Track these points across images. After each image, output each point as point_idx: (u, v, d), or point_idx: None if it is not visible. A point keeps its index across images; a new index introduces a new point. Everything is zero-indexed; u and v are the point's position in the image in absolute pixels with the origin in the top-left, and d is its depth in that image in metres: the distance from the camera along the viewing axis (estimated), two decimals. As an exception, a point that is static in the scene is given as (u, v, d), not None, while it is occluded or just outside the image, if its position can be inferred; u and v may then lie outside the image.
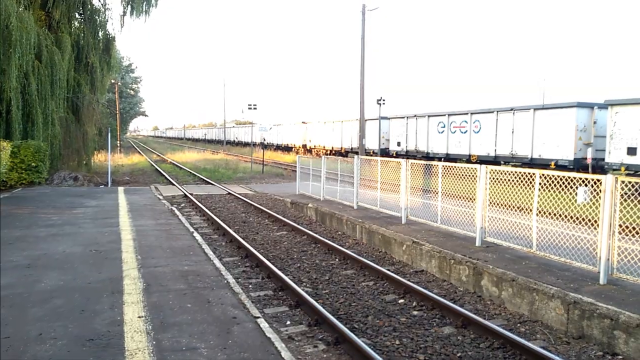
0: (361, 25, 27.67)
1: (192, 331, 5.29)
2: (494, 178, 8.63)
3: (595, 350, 5.65)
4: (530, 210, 7.88)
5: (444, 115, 27.92)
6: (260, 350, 4.89)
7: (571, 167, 20.01)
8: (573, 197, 9.35)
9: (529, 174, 7.92)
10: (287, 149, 51.00)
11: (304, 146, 47.45)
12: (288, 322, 6.38)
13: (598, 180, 6.67)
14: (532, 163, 21.47)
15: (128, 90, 73.42)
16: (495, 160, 23.74)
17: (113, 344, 4.89)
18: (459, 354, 5.54)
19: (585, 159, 20.07)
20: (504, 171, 8.43)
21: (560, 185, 7.61)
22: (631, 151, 17.64)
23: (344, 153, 38.42)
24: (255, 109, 34.78)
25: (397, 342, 5.87)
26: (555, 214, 8.06)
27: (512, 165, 21.07)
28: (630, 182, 6.42)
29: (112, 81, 43.97)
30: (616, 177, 6.42)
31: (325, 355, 5.45)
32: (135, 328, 5.30)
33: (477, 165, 8.86)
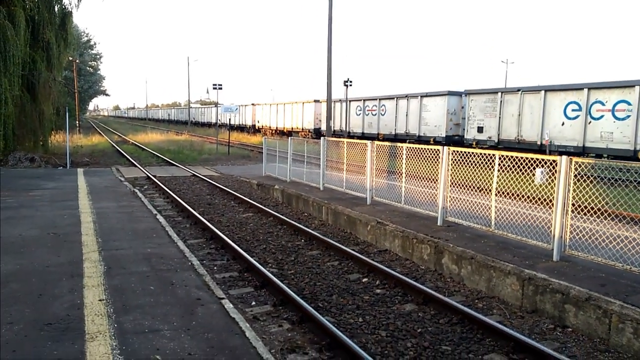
0: (328, 5, 27.36)
1: (155, 313, 5.24)
2: (456, 160, 8.81)
3: (547, 323, 5.93)
4: (490, 190, 8.11)
5: (361, 100, 31.81)
6: (225, 331, 4.90)
7: (444, 142, 23.28)
8: (530, 178, 9.68)
9: (489, 155, 8.12)
10: (241, 128, 52.84)
11: (254, 126, 50.37)
12: (253, 303, 6.42)
13: (553, 161, 6.91)
14: (420, 140, 25.43)
15: (87, 67, 70.63)
16: (395, 138, 27.45)
17: (73, 328, 4.80)
18: (419, 330, 5.71)
19: (455, 136, 24.52)
20: (465, 152, 8.60)
21: (517, 165, 7.87)
22: (480, 129, 22.63)
23: (286, 133, 40.52)
24: (220, 89, 34.07)
25: (361, 319, 6.00)
26: (513, 194, 8.34)
27: (408, 142, 24.52)
28: (583, 163, 6.70)
29: (70, 58, 42.12)
30: (570, 158, 6.67)
31: (289, 334, 5.52)
32: (96, 311, 5.22)
33: (439, 147, 9.03)
